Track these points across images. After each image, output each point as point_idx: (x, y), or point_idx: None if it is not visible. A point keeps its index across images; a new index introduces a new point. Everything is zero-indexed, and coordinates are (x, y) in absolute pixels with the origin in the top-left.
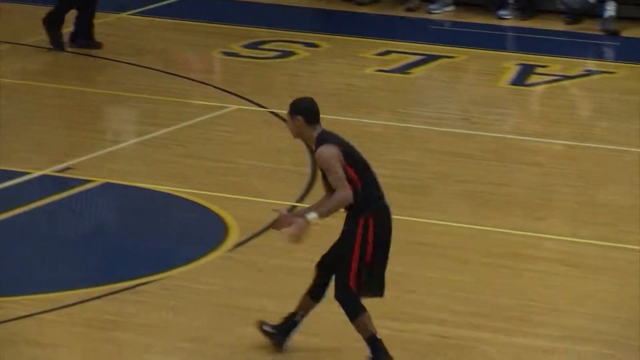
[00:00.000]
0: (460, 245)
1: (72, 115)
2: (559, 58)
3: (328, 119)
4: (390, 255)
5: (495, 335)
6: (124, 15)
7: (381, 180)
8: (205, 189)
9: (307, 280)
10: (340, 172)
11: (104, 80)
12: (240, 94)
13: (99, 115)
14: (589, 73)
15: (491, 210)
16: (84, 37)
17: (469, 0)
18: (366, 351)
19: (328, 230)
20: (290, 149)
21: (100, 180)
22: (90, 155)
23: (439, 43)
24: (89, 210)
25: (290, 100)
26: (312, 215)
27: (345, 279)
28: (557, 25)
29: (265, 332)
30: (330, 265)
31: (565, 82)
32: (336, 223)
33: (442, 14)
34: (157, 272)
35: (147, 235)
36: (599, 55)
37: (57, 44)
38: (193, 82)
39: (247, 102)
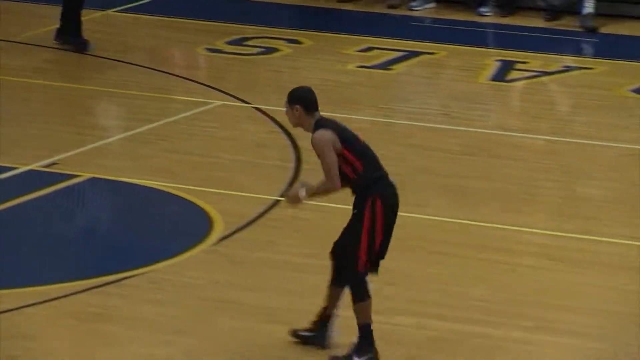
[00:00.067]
0: (441, 238)
1: (58, 111)
2: (539, 54)
3: None
4: None
5: (474, 327)
6: (109, 12)
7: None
8: (190, 183)
9: (290, 273)
10: (331, 159)
11: (90, 76)
12: (224, 90)
13: (85, 111)
14: (568, 69)
15: (472, 204)
16: (71, 34)
17: None
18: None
19: (306, 223)
20: (273, 144)
21: (87, 175)
22: (76, 151)
23: (420, 39)
24: (75, 205)
25: (274, 96)
26: (302, 192)
27: (355, 260)
28: (537, 22)
29: (302, 338)
30: (342, 248)
31: (544, 78)
32: (314, 217)
33: (423, 10)
34: (143, 266)
35: (133, 229)
36: (578, 52)
37: (80, 47)
38: (178, 78)
39: (231, 98)
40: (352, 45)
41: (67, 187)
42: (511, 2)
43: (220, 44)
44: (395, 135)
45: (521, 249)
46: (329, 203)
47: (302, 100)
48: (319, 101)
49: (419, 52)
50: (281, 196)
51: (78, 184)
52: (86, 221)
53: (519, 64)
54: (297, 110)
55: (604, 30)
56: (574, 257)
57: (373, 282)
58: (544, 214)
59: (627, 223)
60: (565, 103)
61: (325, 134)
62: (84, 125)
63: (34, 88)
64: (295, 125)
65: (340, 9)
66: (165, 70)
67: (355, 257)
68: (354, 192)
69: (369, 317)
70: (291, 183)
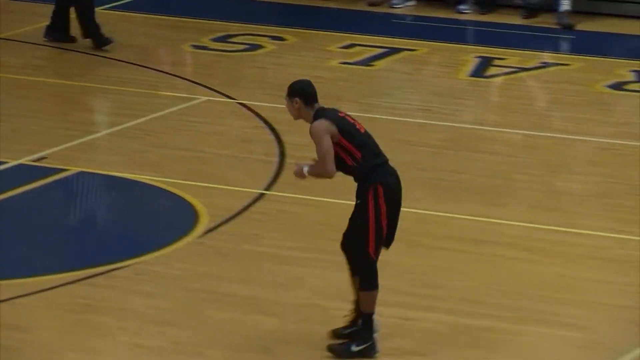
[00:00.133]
0: (420, 230)
1: (46, 107)
2: (516, 51)
3: None
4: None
5: (451, 317)
6: (96, 10)
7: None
8: (176, 177)
9: (275, 265)
10: (326, 146)
11: (78, 73)
12: (209, 86)
13: (73, 106)
14: (545, 65)
15: (451, 197)
16: (60, 31)
17: None
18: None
19: (291, 216)
20: (258, 139)
21: (75, 169)
22: (64, 145)
23: (401, 36)
24: (63, 199)
25: (258, 92)
26: (305, 169)
27: (365, 248)
28: (515, 19)
29: (345, 336)
30: (350, 239)
31: (522, 74)
32: (299, 210)
33: (404, 8)
34: (130, 258)
35: (120, 222)
36: (555, 48)
37: (102, 42)
38: (164, 74)
39: (217, 94)
40: (334, 42)
41: (56, 181)
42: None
43: (205, 41)
44: (377, 129)
45: (502, 241)
46: (313, 196)
47: (302, 93)
48: None
49: (400, 49)
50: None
51: (67, 177)
52: (75, 214)
53: (498, 60)
54: (296, 103)
55: (580, 27)
56: (555, 249)
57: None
58: (524, 207)
59: (607, 216)
60: (543, 98)
61: (322, 124)
62: (73, 121)
63: (23, 84)
64: (296, 117)
65: (322, 7)
66: (152, 67)
67: (365, 246)
68: (355, 180)
69: (373, 307)
70: (275, 177)
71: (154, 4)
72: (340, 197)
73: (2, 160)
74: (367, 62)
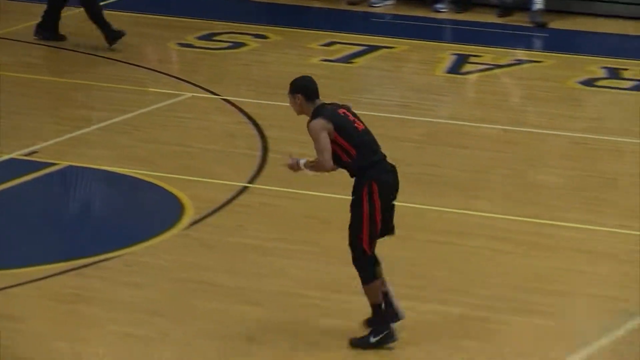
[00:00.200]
0: (398, 222)
1: (38, 103)
2: (491, 48)
3: (277, 105)
4: (330, 231)
5: (431, 305)
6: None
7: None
8: (163, 171)
9: (258, 256)
10: (323, 142)
11: (68, 70)
12: (195, 83)
13: (63, 103)
14: (519, 62)
15: (429, 190)
16: (50, 30)
17: None
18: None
19: (274, 209)
20: (242, 133)
21: (65, 163)
22: (54, 140)
23: (379, 34)
24: (54, 191)
25: (242, 88)
26: (302, 161)
27: (359, 243)
28: (490, 18)
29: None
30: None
31: (497, 71)
32: (281, 203)
33: (383, 7)
34: (119, 249)
35: (109, 215)
36: (528, 46)
37: (113, 36)
38: (151, 71)
39: (202, 90)
40: (315, 40)
41: (47, 175)
42: None
43: (190, 39)
44: None
45: (483, 234)
46: (296, 189)
47: (303, 89)
48: (286, 93)
49: (379, 47)
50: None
51: (57, 171)
52: (65, 207)
53: (473, 58)
54: (298, 99)
55: (553, 25)
56: (523, 239)
57: (331, 264)
58: (500, 199)
59: (584, 208)
60: (517, 94)
61: (319, 122)
62: (63, 117)
63: (15, 81)
64: (299, 112)
65: (304, 6)
66: (139, 64)
67: (359, 241)
68: (351, 176)
69: (378, 297)
70: (259, 171)
71: (141, 4)
72: (321, 190)
73: None
74: (347, 59)
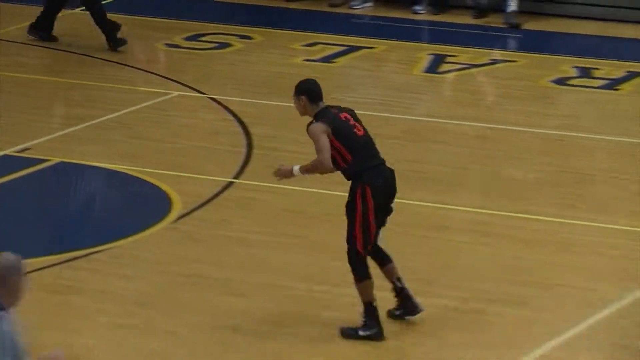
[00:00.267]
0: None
1: (30, 102)
2: (468, 48)
3: (261, 104)
4: (313, 224)
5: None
6: (76, 11)
7: (307, 161)
8: (151, 166)
9: (243, 249)
10: (323, 142)
11: (60, 70)
12: (182, 82)
13: (55, 101)
14: (494, 62)
15: (408, 185)
16: (44, 30)
17: None
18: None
19: (258, 203)
20: (227, 131)
21: (57, 160)
22: (46, 137)
23: (360, 35)
24: (46, 187)
25: (227, 87)
26: (295, 168)
27: (354, 244)
28: (466, 19)
29: (399, 316)
30: None
31: (473, 70)
32: (265, 197)
33: (363, 9)
34: (109, 242)
35: (100, 209)
36: (503, 46)
37: (117, 43)
38: (139, 71)
39: (189, 89)
40: (298, 40)
41: (39, 171)
42: (442, 1)
43: (178, 40)
44: None
45: (459, 227)
46: (279, 184)
47: (307, 92)
48: (270, 92)
49: (359, 47)
50: (274, 173)
51: (48, 167)
52: (56, 201)
53: (450, 57)
54: (302, 101)
55: (526, 26)
56: (499, 232)
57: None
58: (477, 194)
59: (559, 203)
60: (493, 93)
61: (319, 126)
62: (55, 115)
63: (8, 81)
64: (302, 114)
65: (287, 8)
66: (128, 64)
67: (353, 241)
68: (347, 179)
69: (370, 296)
70: (243, 167)
71: (130, 6)
72: (303, 185)
73: None
74: (329, 59)
